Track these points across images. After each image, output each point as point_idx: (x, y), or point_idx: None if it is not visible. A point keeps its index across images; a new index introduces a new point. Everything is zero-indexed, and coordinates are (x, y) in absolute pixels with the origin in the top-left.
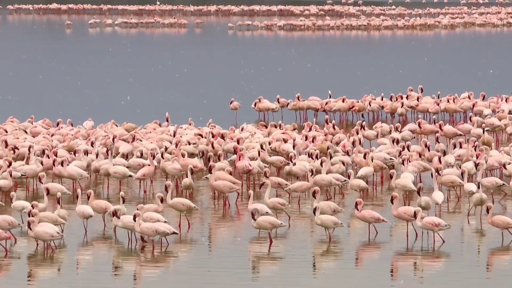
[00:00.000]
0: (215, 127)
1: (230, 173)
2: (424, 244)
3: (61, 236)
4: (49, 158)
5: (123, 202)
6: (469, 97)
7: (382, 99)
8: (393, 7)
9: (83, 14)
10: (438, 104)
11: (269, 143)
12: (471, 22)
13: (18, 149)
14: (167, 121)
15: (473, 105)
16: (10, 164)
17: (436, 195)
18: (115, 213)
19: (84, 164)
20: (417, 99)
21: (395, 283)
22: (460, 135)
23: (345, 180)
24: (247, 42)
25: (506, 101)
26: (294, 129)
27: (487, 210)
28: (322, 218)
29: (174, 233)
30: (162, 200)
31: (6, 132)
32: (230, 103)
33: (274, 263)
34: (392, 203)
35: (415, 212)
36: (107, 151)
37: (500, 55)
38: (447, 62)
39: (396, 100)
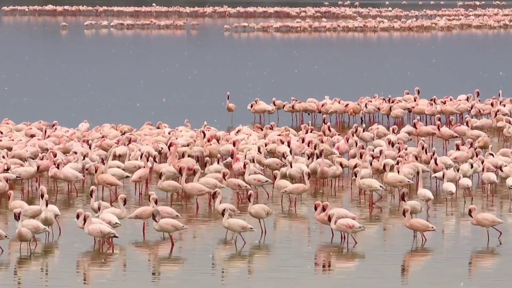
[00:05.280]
0: (210, 129)
1: (223, 176)
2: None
3: None
4: (44, 160)
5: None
6: (467, 99)
7: (374, 97)
8: (390, 8)
9: (78, 15)
10: (431, 105)
11: (265, 145)
12: (467, 24)
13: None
14: (159, 128)
15: (471, 107)
16: (8, 168)
17: (425, 191)
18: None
19: (80, 166)
20: (414, 99)
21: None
22: (456, 137)
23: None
24: (244, 44)
25: (500, 103)
26: (288, 132)
27: (404, 213)
28: (229, 222)
29: (114, 236)
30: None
31: (2, 133)
32: (227, 98)
33: (176, 265)
34: (316, 210)
35: (329, 216)
36: (102, 161)
37: (500, 57)
38: (447, 64)
39: (393, 102)
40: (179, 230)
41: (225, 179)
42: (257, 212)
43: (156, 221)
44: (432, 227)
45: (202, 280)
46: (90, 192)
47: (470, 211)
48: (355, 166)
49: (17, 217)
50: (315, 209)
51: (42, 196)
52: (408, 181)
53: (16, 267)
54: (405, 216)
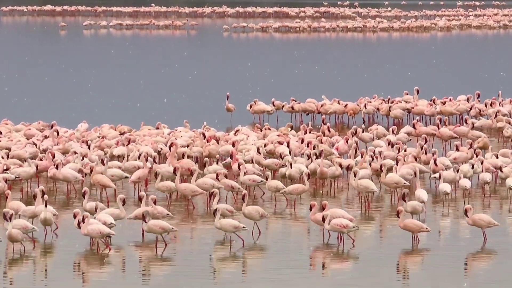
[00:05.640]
0: (209, 129)
1: (226, 176)
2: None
3: None
4: (43, 160)
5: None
6: (467, 100)
7: (373, 98)
8: (389, 9)
9: (77, 15)
10: (431, 105)
11: (265, 145)
12: (467, 24)
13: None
14: (158, 128)
15: (471, 107)
16: (7, 168)
17: (420, 192)
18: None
19: (79, 166)
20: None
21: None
22: (456, 137)
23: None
24: (244, 44)
25: (499, 104)
26: (291, 129)
27: (397, 215)
28: (222, 222)
29: (109, 235)
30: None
31: (1, 134)
32: (227, 98)
33: (172, 266)
34: (310, 210)
35: (323, 217)
36: (102, 161)
37: (500, 57)
38: (446, 64)
39: (392, 103)
40: (168, 232)
41: (218, 180)
42: (250, 214)
43: (145, 222)
44: (426, 228)
45: (198, 281)
46: (82, 193)
47: (466, 211)
48: (348, 167)
49: (7, 218)
50: (310, 209)
51: (34, 197)
52: (405, 183)
53: (11, 268)
54: (398, 217)
